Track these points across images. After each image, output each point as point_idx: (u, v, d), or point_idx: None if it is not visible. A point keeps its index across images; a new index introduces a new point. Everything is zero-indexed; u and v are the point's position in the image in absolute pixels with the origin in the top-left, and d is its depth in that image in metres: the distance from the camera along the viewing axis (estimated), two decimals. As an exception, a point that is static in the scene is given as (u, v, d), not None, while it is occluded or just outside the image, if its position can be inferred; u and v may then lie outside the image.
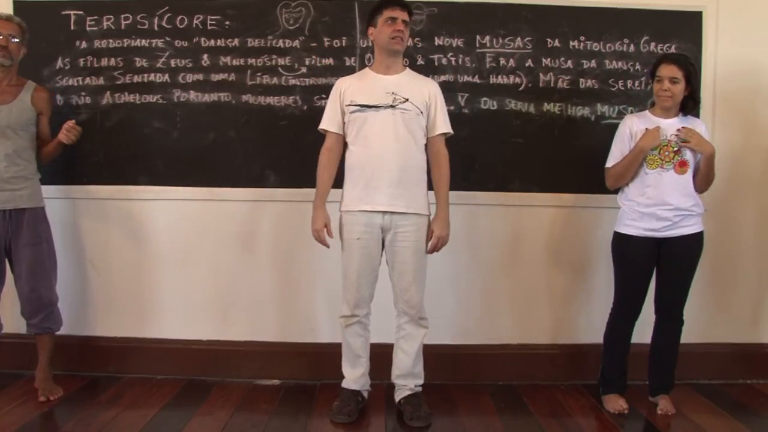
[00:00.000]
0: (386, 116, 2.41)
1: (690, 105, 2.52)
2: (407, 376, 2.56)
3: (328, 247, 2.50)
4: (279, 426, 2.46)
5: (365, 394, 2.60)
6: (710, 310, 2.99)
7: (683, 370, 2.69)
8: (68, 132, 2.53)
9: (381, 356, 2.60)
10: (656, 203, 2.48)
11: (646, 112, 2.60)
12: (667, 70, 2.46)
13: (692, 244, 2.55)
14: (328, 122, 2.50)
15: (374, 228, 2.44)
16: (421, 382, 2.59)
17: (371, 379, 2.62)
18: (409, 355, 2.53)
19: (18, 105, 2.56)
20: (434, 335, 2.65)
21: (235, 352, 2.93)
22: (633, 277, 2.57)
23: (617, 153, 2.57)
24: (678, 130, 2.48)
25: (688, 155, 2.49)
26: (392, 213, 2.42)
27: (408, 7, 2.46)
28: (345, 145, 2.52)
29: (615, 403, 2.61)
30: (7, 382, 2.79)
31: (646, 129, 2.49)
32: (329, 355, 2.72)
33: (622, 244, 2.58)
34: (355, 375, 2.56)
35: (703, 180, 2.53)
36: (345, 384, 2.58)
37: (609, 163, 2.60)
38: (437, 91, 2.50)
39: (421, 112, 2.44)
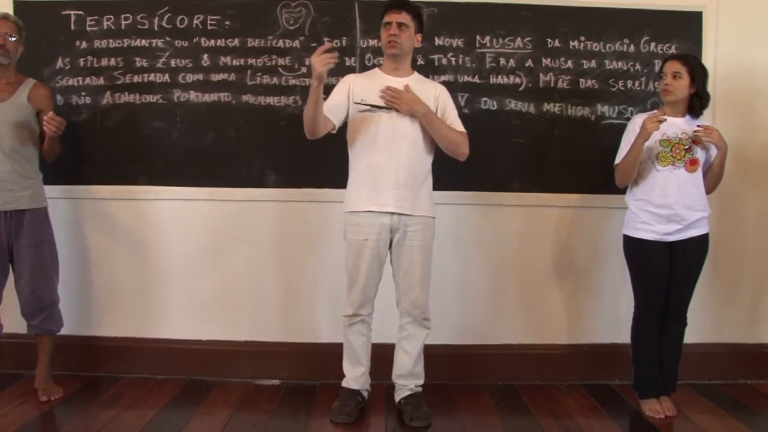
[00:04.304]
0: (394, 118, 2.41)
1: (697, 105, 2.52)
2: (408, 376, 2.56)
3: (321, 75, 2.21)
4: (279, 426, 2.46)
5: (365, 394, 2.60)
6: (710, 311, 2.99)
7: (684, 371, 2.68)
8: (48, 123, 2.44)
9: (381, 356, 2.60)
10: (667, 202, 2.48)
11: (655, 111, 2.59)
12: (670, 66, 2.49)
13: (699, 247, 2.56)
14: (326, 110, 2.39)
15: (383, 228, 2.43)
16: (422, 382, 2.59)
17: (371, 379, 2.62)
18: (411, 355, 2.53)
19: (14, 102, 2.54)
20: (435, 335, 2.64)
21: (235, 352, 2.93)
22: (651, 280, 2.55)
23: (625, 151, 2.56)
24: (698, 126, 2.47)
25: (698, 153, 2.50)
26: (400, 214, 2.42)
27: (407, 7, 2.43)
28: (345, 144, 2.52)
29: (654, 408, 2.57)
30: (7, 382, 2.79)
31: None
32: (329, 355, 2.72)
33: (636, 248, 2.57)
34: (355, 374, 2.56)
35: (715, 178, 2.55)
36: (345, 383, 2.58)
37: (617, 161, 2.60)
38: (444, 93, 2.50)
39: None
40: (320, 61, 2.18)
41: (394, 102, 2.34)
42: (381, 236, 2.44)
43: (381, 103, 2.40)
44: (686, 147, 2.49)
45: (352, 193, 2.49)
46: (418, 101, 2.37)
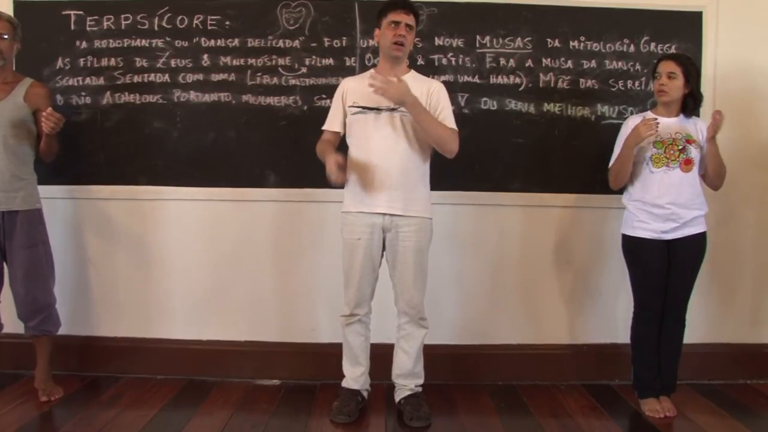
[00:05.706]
0: (386, 119, 2.41)
1: (690, 104, 2.53)
2: (407, 376, 2.56)
3: (342, 184, 2.44)
4: (279, 426, 2.46)
5: (365, 394, 2.60)
6: (710, 311, 2.99)
7: (683, 371, 2.68)
8: (46, 120, 2.39)
9: (381, 356, 2.61)
10: (663, 202, 2.49)
11: (648, 112, 2.62)
12: (664, 66, 2.50)
13: (696, 246, 2.56)
14: (328, 122, 2.53)
15: (375, 228, 2.44)
16: (421, 382, 2.59)
17: (371, 379, 2.62)
18: (410, 355, 2.53)
19: (10, 102, 2.52)
20: (434, 335, 2.65)
21: (235, 352, 2.93)
22: (649, 279, 2.56)
23: (619, 153, 2.57)
24: (716, 112, 2.43)
25: (692, 153, 2.50)
26: (392, 215, 2.42)
27: (414, 9, 2.43)
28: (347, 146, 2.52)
29: (653, 408, 2.57)
30: (7, 382, 2.79)
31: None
32: (329, 355, 2.72)
33: (634, 246, 2.58)
34: (355, 374, 2.56)
35: (717, 173, 2.53)
36: (345, 383, 2.58)
37: (611, 163, 2.61)
38: (439, 90, 2.47)
39: None
40: (336, 177, 2.34)
41: (384, 89, 2.26)
42: (373, 236, 2.44)
43: (371, 104, 2.41)
44: (680, 147, 2.50)
45: (347, 193, 2.51)
46: (408, 91, 2.31)
